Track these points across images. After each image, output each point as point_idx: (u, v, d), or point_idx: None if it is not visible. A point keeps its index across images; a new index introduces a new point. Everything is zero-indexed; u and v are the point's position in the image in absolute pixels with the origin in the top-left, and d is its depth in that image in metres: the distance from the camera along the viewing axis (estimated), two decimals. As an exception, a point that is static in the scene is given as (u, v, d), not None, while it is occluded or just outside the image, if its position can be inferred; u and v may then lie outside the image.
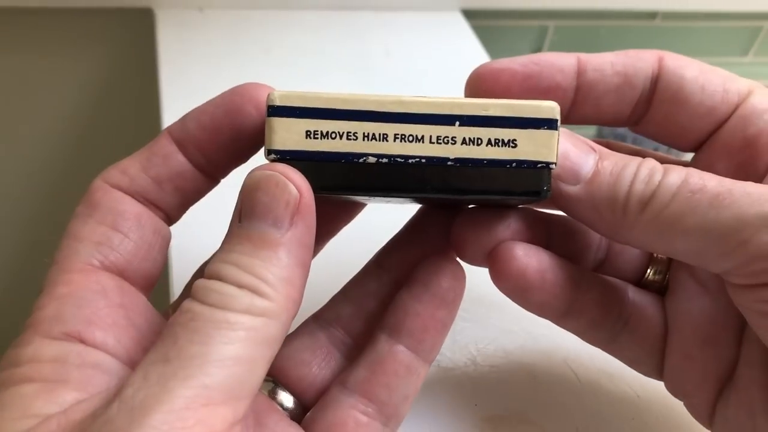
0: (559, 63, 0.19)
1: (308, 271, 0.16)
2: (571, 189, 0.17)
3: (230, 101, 0.17)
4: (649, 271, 0.21)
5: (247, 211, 0.15)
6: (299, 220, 0.15)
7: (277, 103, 0.16)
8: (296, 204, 0.15)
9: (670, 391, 0.21)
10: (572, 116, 0.20)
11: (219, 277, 0.15)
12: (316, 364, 0.20)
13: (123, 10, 0.46)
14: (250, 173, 0.16)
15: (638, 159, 0.17)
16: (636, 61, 0.19)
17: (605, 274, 0.21)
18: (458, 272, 0.20)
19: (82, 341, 0.15)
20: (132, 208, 0.17)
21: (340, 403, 0.19)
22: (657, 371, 0.21)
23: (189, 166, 0.18)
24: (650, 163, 0.17)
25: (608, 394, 0.25)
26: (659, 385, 0.21)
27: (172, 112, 0.37)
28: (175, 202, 0.18)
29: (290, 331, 0.20)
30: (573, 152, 0.17)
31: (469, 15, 0.51)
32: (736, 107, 0.19)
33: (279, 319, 0.15)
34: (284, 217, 0.15)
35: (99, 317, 0.15)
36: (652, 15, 0.59)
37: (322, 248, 0.22)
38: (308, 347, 0.20)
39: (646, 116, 0.20)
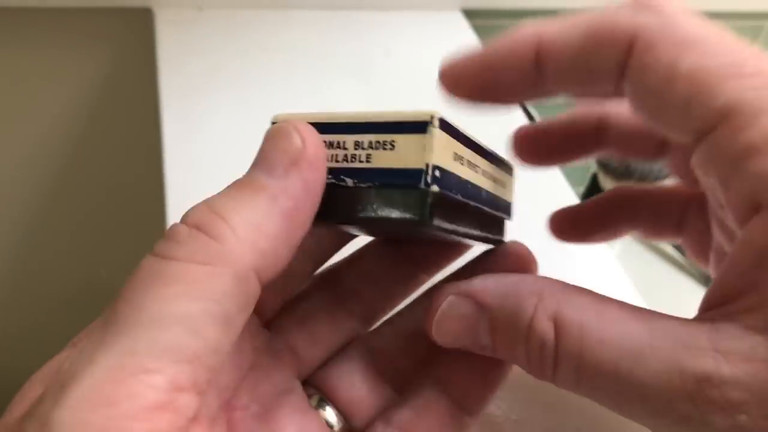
0: (513, 62, 0.17)
1: (299, 230, 0.14)
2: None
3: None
4: None
5: (252, 162, 0.14)
6: (294, 171, 0.14)
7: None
8: (296, 154, 0.14)
9: None
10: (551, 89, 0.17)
11: (183, 218, 0.13)
12: (367, 389, 0.19)
13: (122, 9, 0.46)
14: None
15: (524, 330, 0.15)
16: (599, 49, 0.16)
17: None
18: None
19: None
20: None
21: None
22: None
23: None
24: (536, 337, 0.15)
25: (608, 393, 0.24)
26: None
27: (171, 111, 0.37)
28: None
29: (340, 351, 0.20)
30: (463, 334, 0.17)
31: (470, 14, 0.51)
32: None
33: (230, 267, 0.13)
34: (278, 164, 0.14)
35: None
36: (652, 15, 0.58)
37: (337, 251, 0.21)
38: (360, 371, 0.20)
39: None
